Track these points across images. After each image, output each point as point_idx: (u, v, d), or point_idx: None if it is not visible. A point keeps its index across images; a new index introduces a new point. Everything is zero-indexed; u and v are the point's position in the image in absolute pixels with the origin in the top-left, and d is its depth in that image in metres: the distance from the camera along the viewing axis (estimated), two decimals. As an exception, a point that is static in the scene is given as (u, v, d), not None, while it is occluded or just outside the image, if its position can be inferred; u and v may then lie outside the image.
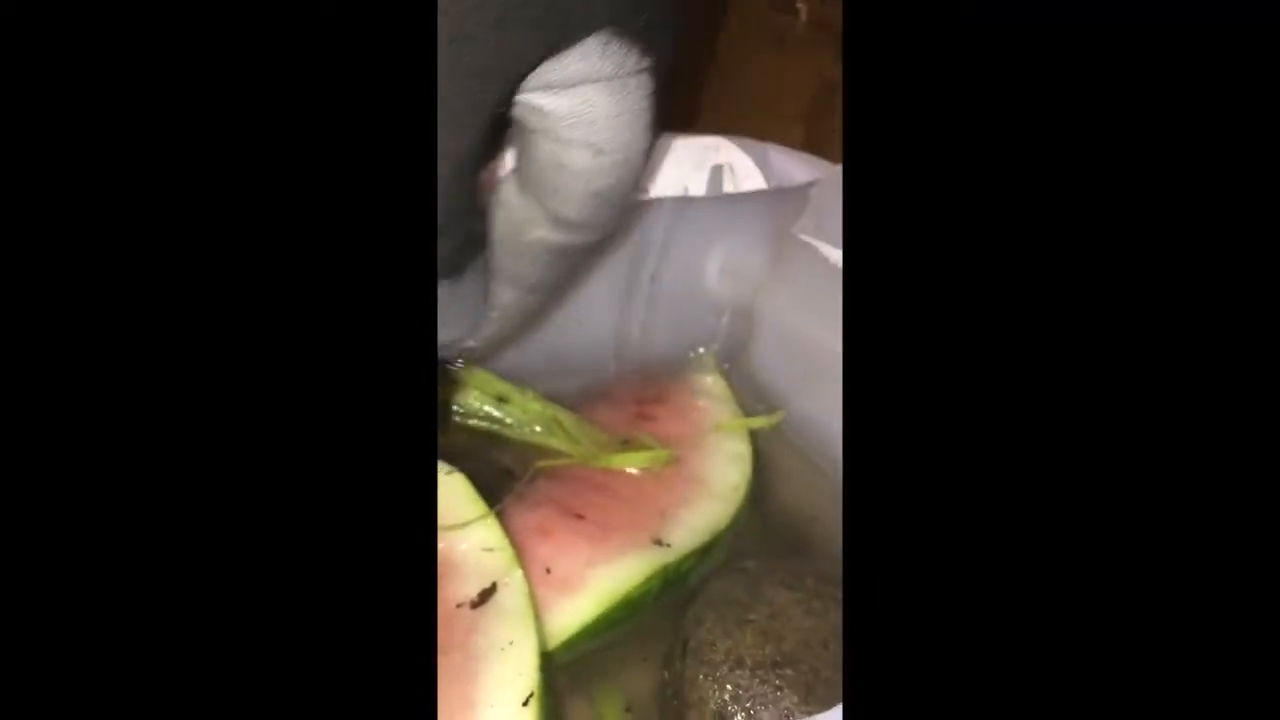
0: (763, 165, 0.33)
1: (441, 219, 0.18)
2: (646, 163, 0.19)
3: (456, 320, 0.22)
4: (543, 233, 0.19)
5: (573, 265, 0.21)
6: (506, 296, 0.20)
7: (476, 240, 0.21)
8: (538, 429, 0.33)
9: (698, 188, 0.33)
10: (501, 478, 0.31)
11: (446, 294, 0.21)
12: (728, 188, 0.33)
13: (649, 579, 0.28)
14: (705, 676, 0.24)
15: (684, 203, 0.34)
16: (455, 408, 0.33)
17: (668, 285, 0.37)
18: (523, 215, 0.19)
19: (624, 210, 0.19)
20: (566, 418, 0.34)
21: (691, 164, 0.33)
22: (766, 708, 0.23)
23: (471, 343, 0.24)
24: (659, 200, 0.34)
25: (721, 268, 0.37)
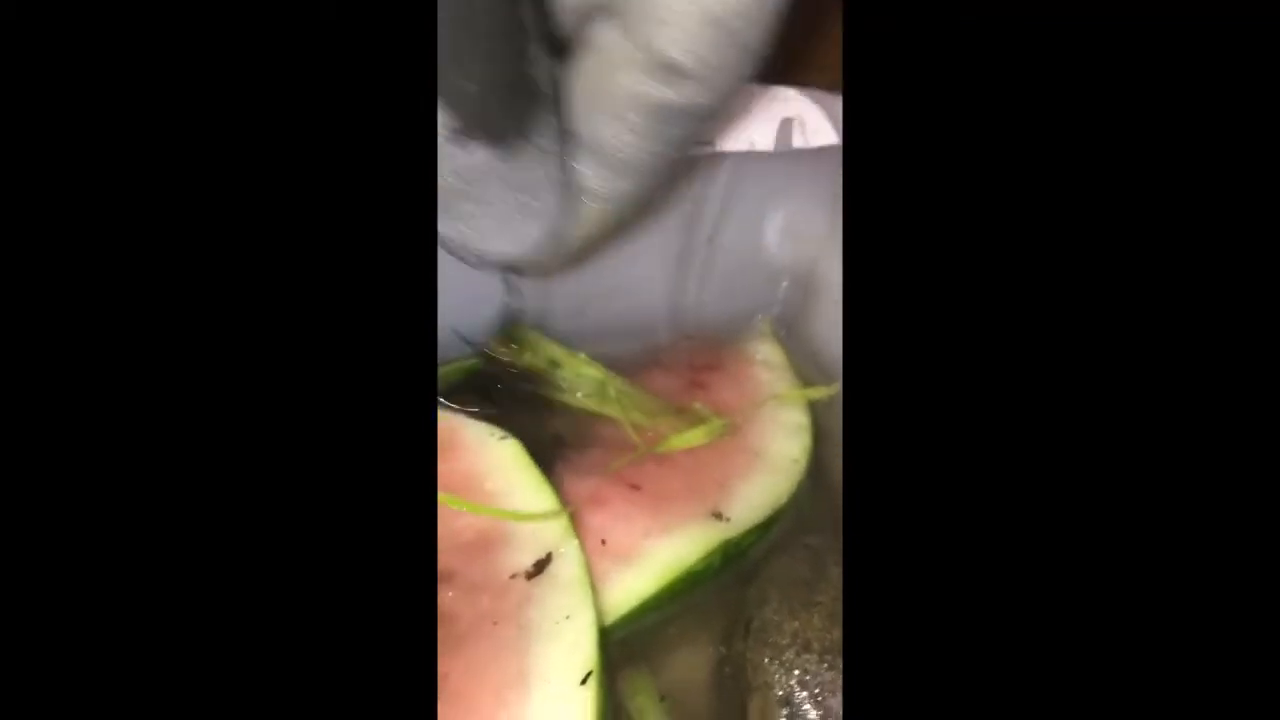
0: (836, 119, 0.31)
1: (471, 60, 0.12)
2: None
3: (502, 224, 0.16)
4: (643, 83, 0.14)
5: (677, 140, 0.15)
6: (590, 178, 0.15)
7: (533, 97, 0.15)
8: (589, 395, 0.32)
9: (765, 142, 0.31)
10: (553, 444, 0.30)
11: (492, 180, 0.15)
12: (797, 143, 0.31)
13: (710, 554, 0.26)
14: (770, 660, 0.23)
15: (747, 158, 0.32)
16: (506, 370, 0.32)
17: (725, 247, 0.35)
18: (618, 58, 0.14)
19: (747, 56, 0.14)
20: (618, 384, 0.32)
21: (759, 116, 0.31)
22: (836, 695, 0.22)
23: (531, 255, 0.16)
24: (720, 155, 0.32)
25: (783, 229, 0.36)
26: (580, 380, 0.32)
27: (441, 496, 0.26)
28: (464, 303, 0.30)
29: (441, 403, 0.29)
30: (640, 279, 0.35)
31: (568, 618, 0.23)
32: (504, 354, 0.32)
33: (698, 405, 0.32)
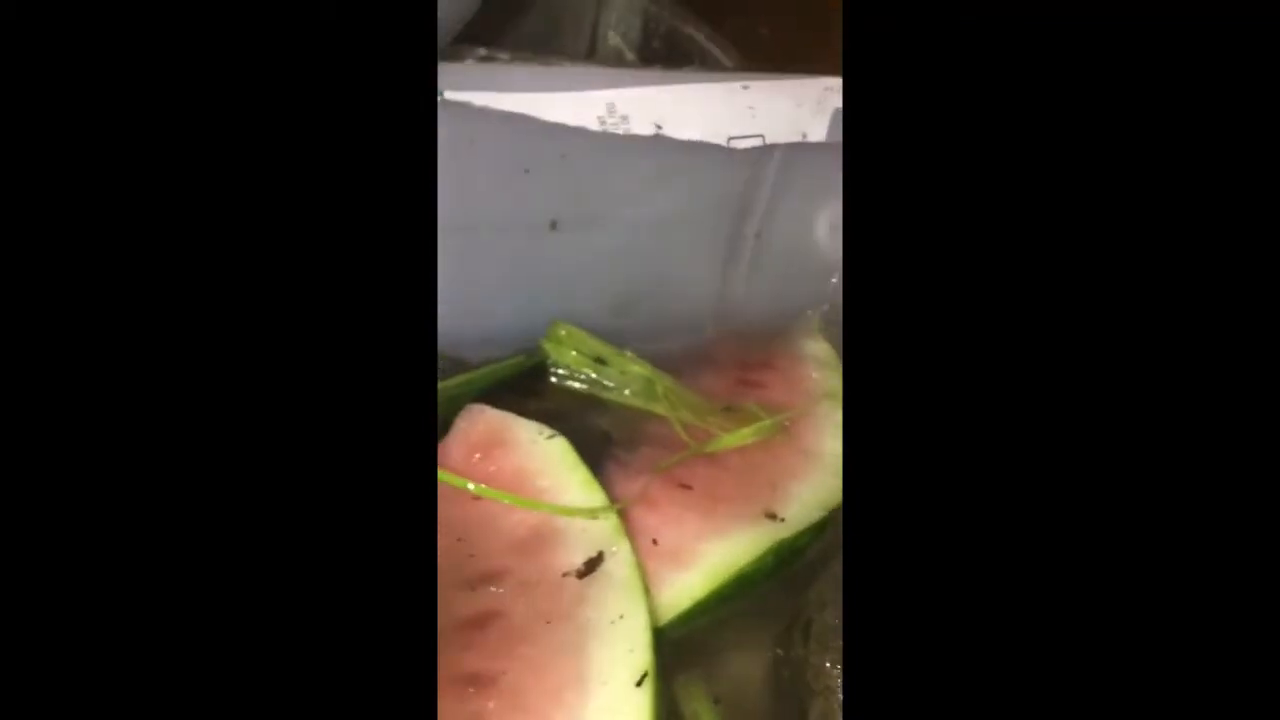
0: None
1: None
2: None
3: None
4: None
5: None
6: None
7: None
8: (636, 393, 0.32)
9: (817, 133, 0.30)
10: (599, 442, 0.30)
11: None
12: (850, 133, 0.30)
13: (763, 555, 0.26)
14: (833, 664, 0.22)
15: (796, 150, 0.32)
16: (553, 369, 0.32)
17: (774, 242, 0.34)
18: None
19: None
20: (666, 382, 0.32)
21: (811, 106, 0.30)
22: (902, 701, 0.21)
23: None
24: (769, 147, 0.31)
25: (834, 223, 0.35)
26: (627, 378, 0.32)
27: (494, 493, 0.25)
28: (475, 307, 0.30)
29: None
30: (686, 274, 0.34)
31: (621, 618, 0.23)
32: (550, 352, 0.31)
33: (747, 403, 0.32)
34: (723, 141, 0.30)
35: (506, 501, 0.25)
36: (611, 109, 0.28)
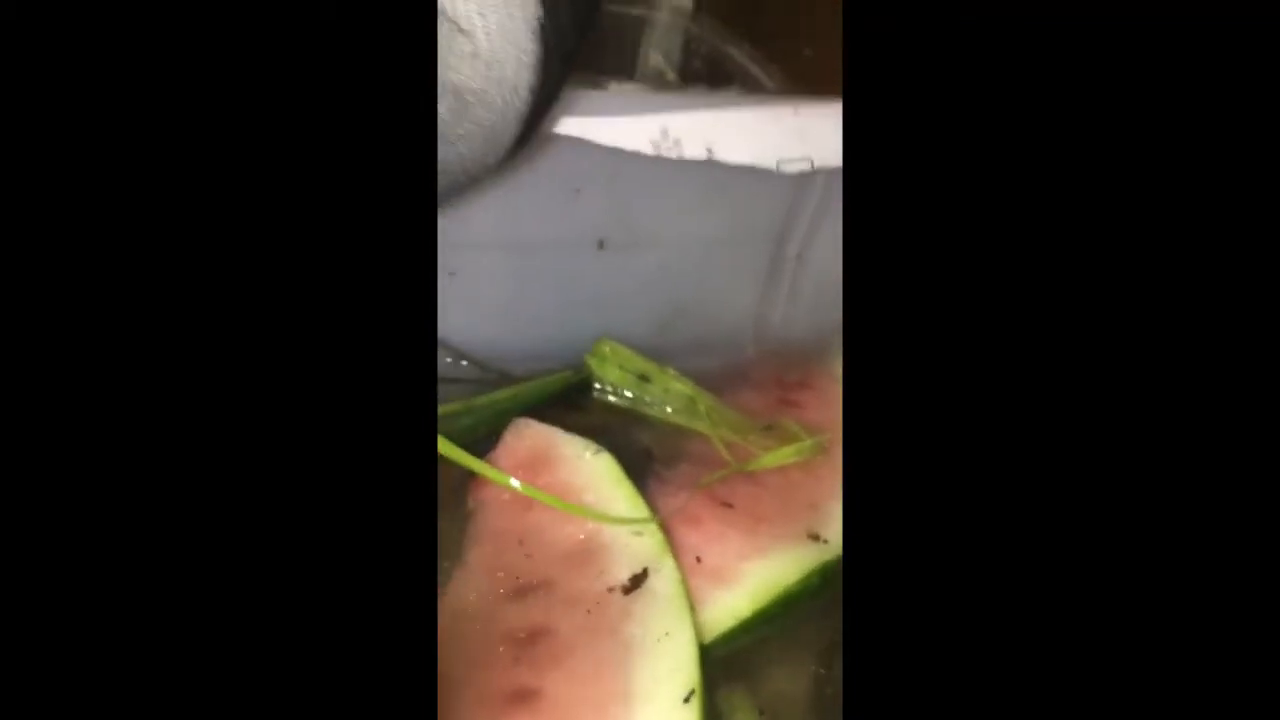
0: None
1: None
2: (532, 99, 0.18)
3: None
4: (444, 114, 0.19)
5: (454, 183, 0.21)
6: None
7: None
8: (678, 410, 0.32)
9: (863, 158, 0.30)
10: (641, 458, 0.30)
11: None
12: (896, 158, 0.30)
13: (808, 575, 0.26)
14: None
15: (839, 174, 0.32)
16: (597, 385, 0.32)
17: (814, 264, 0.35)
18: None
19: (495, 145, 0.19)
20: (707, 400, 0.32)
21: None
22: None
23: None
24: (812, 172, 0.32)
25: (874, 246, 0.35)
26: (669, 395, 0.32)
27: (538, 494, 0.26)
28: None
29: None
30: (728, 294, 0.35)
31: (667, 634, 0.23)
32: (594, 368, 0.32)
33: (787, 422, 0.32)
34: (772, 164, 0.30)
35: (553, 505, 0.26)
36: (665, 132, 0.28)
